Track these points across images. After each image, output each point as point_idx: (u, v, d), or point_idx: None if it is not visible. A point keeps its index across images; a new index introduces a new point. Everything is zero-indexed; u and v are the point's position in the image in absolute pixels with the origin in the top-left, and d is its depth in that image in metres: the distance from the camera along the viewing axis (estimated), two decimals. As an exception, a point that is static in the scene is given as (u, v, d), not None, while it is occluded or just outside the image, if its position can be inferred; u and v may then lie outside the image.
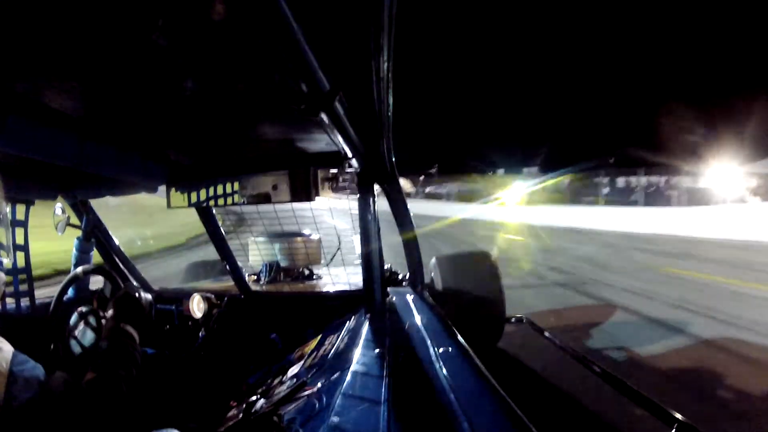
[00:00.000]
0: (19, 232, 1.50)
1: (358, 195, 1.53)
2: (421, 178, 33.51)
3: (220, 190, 1.48)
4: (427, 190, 33.80)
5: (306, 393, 0.90)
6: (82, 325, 1.05)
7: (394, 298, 1.61)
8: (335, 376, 0.94)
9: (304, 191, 1.44)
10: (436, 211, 21.55)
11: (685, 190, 18.28)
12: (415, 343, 1.12)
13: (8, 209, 0.88)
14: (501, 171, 30.86)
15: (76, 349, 1.03)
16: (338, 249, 2.57)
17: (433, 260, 2.75)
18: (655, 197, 18.97)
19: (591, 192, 22.67)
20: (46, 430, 0.63)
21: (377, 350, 1.06)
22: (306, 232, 2.58)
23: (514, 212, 19.37)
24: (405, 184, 34.35)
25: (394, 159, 1.54)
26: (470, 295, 2.52)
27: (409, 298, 1.62)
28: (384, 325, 1.31)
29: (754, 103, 18.37)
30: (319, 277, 2.55)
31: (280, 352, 1.50)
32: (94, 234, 1.78)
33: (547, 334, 2.65)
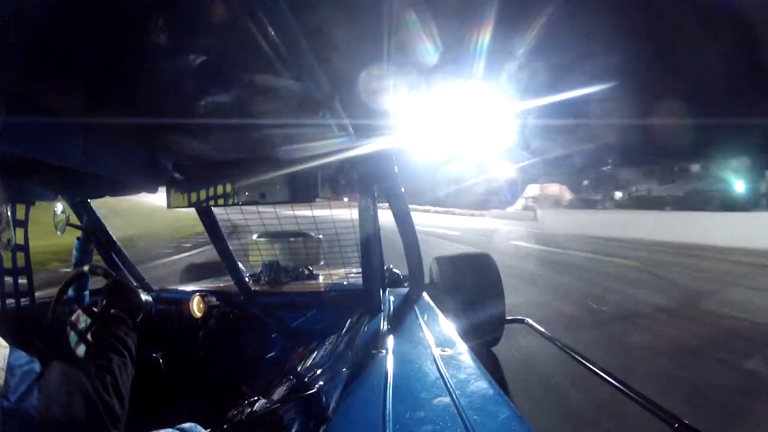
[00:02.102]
0: (19, 232, 1.50)
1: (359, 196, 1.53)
2: (585, 182, 24.70)
3: (220, 190, 1.48)
4: (618, 195, 21.73)
5: (306, 393, 0.90)
6: (82, 325, 1.05)
7: (394, 298, 1.61)
8: (335, 376, 0.94)
9: (304, 192, 1.44)
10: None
11: None
12: (415, 343, 1.12)
13: (8, 209, 0.88)
14: (696, 166, 19.32)
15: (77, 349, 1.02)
16: None
17: (433, 260, 2.75)
18: None
19: None
20: (43, 423, 0.63)
21: (377, 350, 1.06)
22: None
23: None
24: (564, 191, 24.79)
25: (394, 158, 1.54)
26: (470, 295, 2.52)
27: (409, 298, 1.62)
28: (384, 325, 1.31)
29: None
30: (319, 277, 2.55)
31: (280, 352, 1.50)
32: (94, 234, 1.78)
33: (547, 335, 2.65)
